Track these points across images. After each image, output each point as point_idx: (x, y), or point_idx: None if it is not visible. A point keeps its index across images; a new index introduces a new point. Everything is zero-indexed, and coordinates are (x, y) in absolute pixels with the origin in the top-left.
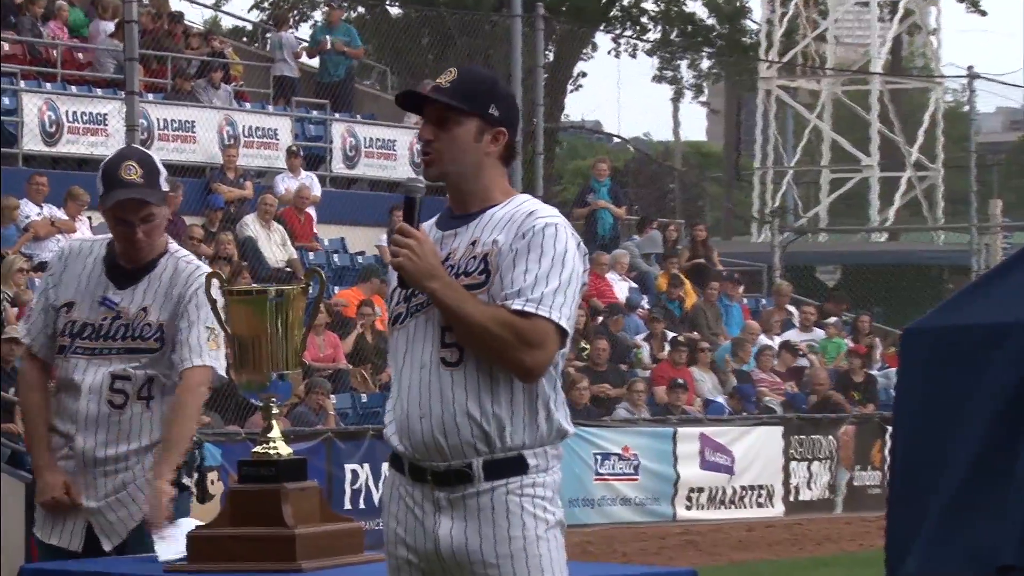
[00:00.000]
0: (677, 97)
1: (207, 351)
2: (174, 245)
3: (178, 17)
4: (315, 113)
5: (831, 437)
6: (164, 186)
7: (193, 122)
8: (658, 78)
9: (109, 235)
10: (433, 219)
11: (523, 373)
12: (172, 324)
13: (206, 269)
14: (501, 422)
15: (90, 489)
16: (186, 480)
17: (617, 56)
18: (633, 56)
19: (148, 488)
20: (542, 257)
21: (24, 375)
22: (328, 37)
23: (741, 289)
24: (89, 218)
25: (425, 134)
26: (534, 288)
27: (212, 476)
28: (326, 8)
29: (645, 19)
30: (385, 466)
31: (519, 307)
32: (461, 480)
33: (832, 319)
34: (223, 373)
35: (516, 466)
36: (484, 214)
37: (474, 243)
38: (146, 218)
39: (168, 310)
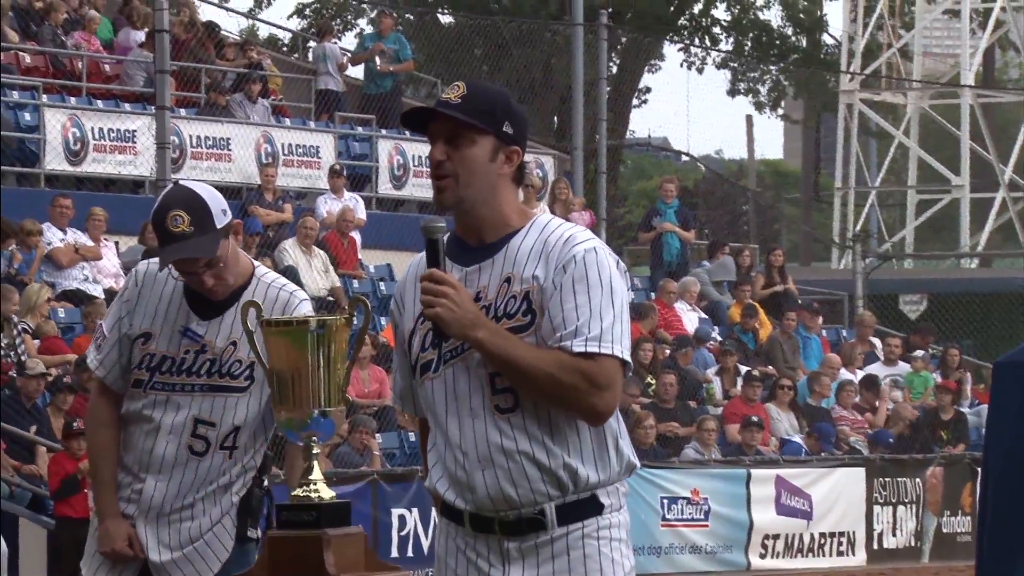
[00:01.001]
0: (758, 109)
1: None
2: (261, 268)
3: (213, 28)
4: (360, 129)
5: (917, 480)
6: (221, 220)
7: (229, 139)
8: (732, 91)
9: None
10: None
11: (594, 417)
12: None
13: (302, 295)
14: (572, 465)
15: (151, 539)
16: (251, 532)
17: (690, 68)
18: (700, 71)
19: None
20: (590, 289)
21: (95, 411)
22: (378, 45)
23: (820, 320)
24: (116, 243)
25: (436, 154)
26: (590, 325)
27: None
28: (375, 14)
29: (716, 29)
30: (434, 511)
31: (581, 348)
32: (533, 528)
33: (919, 352)
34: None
35: (591, 507)
36: (508, 244)
37: (508, 280)
38: (209, 264)
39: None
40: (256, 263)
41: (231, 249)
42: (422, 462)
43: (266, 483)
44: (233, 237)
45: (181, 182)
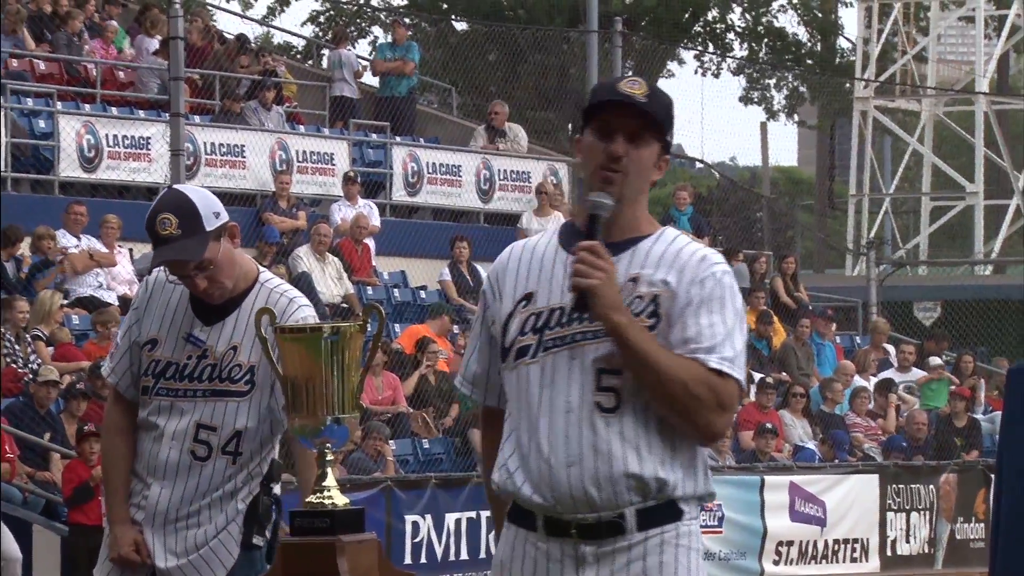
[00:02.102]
0: (770, 116)
1: None
2: (266, 274)
3: (244, 40)
4: (374, 136)
5: (931, 486)
6: (211, 223)
7: (243, 146)
8: (745, 99)
9: None
10: (551, 238)
11: (709, 436)
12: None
13: (304, 302)
14: (662, 476)
15: (158, 545)
16: (256, 539)
17: (704, 75)
18: (717, 76)
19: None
20: (725, 310)
21: (109, 418)
22: (388, 55)
23: (834, 326)
24: (131, 250)
25: (619, 150)
26: (726, 345)
27: (285, 532)
28: (391, 23)
29: (731, 35)
30: (451, 518)
31: (716, 366)
32: (612, 532)
33: (934, 359)
34: None
35: (670, 513)
36: (637, 246)
37: (635, 280)
38: (200, 266)
39: (261, 349)
40: (261, 268)
41: (225, 251)
42: (482, 461)
43: (275, 490)
44: (229, 240)
45: (175, 186)
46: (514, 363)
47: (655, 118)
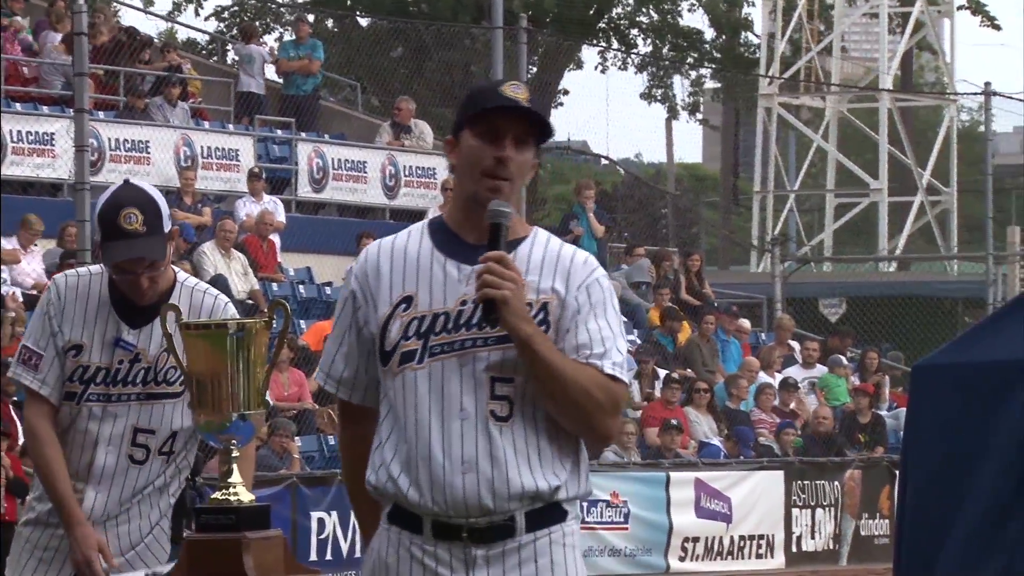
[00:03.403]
0: (672, 115)
1: None
2: (182, 274)
3: (133, 33)
4: (280, 132)
5: (836, 483)
6: (167, 225)
7: (147, 142)
8: (648, 96)
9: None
10: (420, 237)
11: (603, 439)
12: None
13: (225, 299)
14: (552, 482)
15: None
16: (187, 533)
17: (604, 72)
18: (624, 70)
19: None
20: (609, 314)
21: (39, 430)
22: (292, 53)
23: (740, 323)
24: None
25: (510, 152)
26: (613, 351)
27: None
28: (294, 20)
29: (635, 31)
30: (353, 516)
31: (611, 371)
32: (502, 535)
33: (839, 356)
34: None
35: (556, 514)
36: (516, 251)
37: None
38: (151, 266)
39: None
40: (176, 268)
41: (168, 259)
42: (349, 460)
43: (198, 482)
44: (170, 244)
45: (131, 180)
46: (398, 367)
47: (541, 121)
